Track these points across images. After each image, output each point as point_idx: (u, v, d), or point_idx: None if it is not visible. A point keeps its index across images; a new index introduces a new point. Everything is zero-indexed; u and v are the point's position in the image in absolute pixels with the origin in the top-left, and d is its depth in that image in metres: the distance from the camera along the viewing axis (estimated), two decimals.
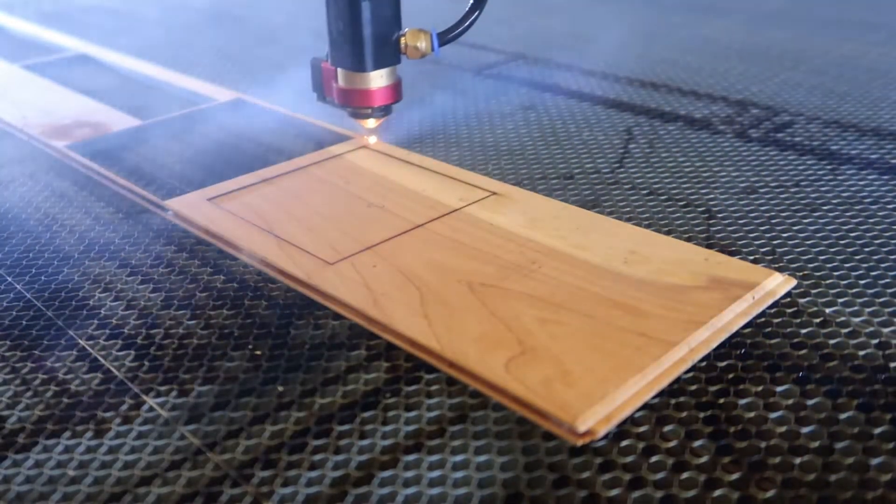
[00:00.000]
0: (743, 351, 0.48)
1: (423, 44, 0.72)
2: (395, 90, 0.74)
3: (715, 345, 0.48)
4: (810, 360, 0.47)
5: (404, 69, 0.75)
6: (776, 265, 0.57)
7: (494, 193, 0.67)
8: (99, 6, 1.51)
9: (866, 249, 0.58)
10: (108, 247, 0.63)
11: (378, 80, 0.73)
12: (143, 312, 0.55)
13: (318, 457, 0.42)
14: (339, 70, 0.74)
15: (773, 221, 0.63)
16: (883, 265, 0.56)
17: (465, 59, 1.07)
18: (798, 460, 0.40)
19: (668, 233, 0.61)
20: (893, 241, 0.59)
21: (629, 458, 0.41)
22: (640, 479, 0.40)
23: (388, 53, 0.72)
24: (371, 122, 0.76)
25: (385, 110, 0.75)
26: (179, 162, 0.80)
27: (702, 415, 0.43)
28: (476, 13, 0.73)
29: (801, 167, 0.72)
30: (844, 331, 0.50)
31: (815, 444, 0.41)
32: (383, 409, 0.45)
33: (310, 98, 0.94)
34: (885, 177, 0.69)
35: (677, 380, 0.46)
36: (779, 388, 0.45)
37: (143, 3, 1.52)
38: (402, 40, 0.72)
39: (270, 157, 0.79)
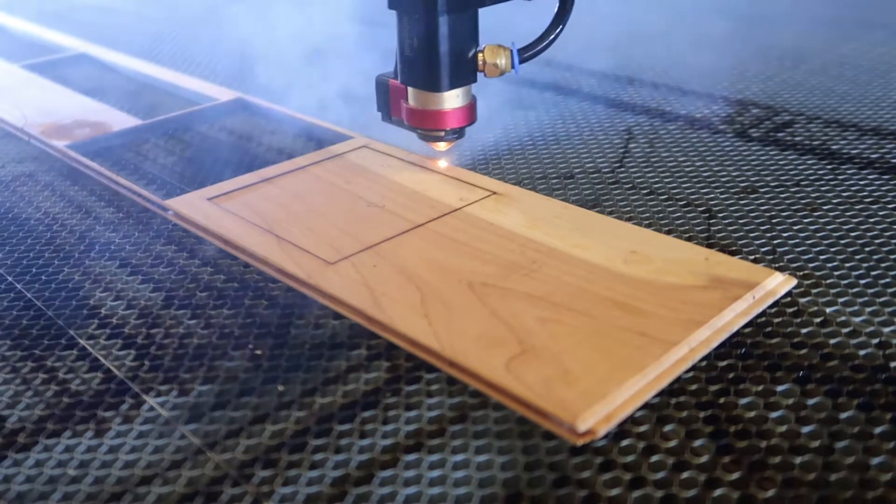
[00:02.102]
0: (743, 350, 0.48)
1: (502, 61, 0.67)
2: (471, 111, 0.69)
3: (715, 344, 0.48)
4: (811, 360, 0.47)
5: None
6: (777, 265, 0.57)
7: (494, 193, 0.67)
8: (99, 6, 1.51)
9: (867, 249, 0.58)
10: (109, 246, 0.63)
11: (453, 100, 0.67)
12: (144, 312, 0.55)
13: (318, 456, 0.42)
14: (409, 89, 0.69)
15: (774, 221, 0.63)
16: (883, 265, 0.56)
17: None
18: (798, 460, 0.40)
19: (668, 232, 0.61)
20: (894, 241, 0.59)
21: (629, 458, 0.41)
22: (641, 479, 0.40)
23: (465, 71, 0.67)
24: (442, 146, 0.71)
25: (459, 132, 0.70)
26: (179, 162, 0.80)
27: (702, 414, 0.43)
28: (559, 28, 0.68)
29: (801, 167, 0.72)
30: (845, 330, 0.50)
31: (816, 443, 0.41)
32: (384, 408, 0.45)
33: (310, 97, 0.94)
34: (886, 176, 0.69)
35: (677, 379, 0.46)
36: (779, 388, 0.45)
37: (143, 3, 1.52)
38: (480, 57, 0.67)
39: (270, 156, 0.79)
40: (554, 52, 1.08)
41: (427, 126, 0.69)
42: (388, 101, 0.72)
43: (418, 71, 0.67)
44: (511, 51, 0.67)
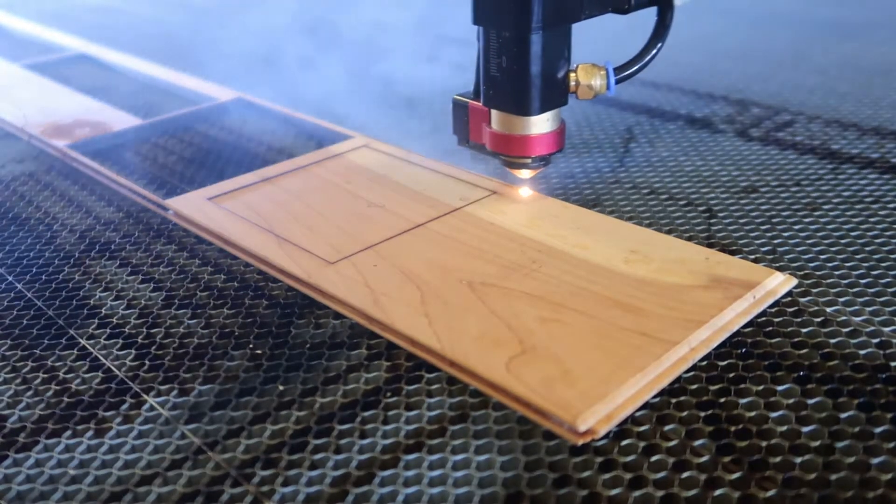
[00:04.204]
0: (744, 350, 0.48)
1: (597, 81, 0.61)
2: (560, 137, 0.63)
3: (716, 344, 0.48)
4: (811, 360, 0.47)
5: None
6: (777, 264, 0.57)
7: (495, 193, 0.67)
8: (99, 6, 1.51)
9: (867, 248, 0.58)
10: (109, 246, 0.63)
11: (542, 124, 0.61)
12: (144, 312, 0.55)
13: (318, 456, 0.42)
14: (493, 112, 0.63)
15: (774, 220, 0.63)
16: (884, 264, 0.56)
17: (465, 59, 1.07)
18: (799, 459, 0.40)
19: (668, 232, 0.61)
20: (894, 241, 0.59)
21: (630, 458, 0.41)
22: (641, 479, 0.40)
23: (556, 93, 0.61)
24: (526, 173, 0.65)
25: (545, 160, 0.64)
26: (180, 161, 0.80)
27: (702, 414, 0.43)
28: (659, 44, 0.63)
29: (801, 166, 0.72)
30: (845, 330, 0.50)
31: (816, 443, 0.41)
32: (384, 408, 0.45)
33: (308, 96, 0.94)
34: (886, 176, 0.69)
35: (678, 379, 0.46)
36: (779, 388, 0.45)
37: (144, 3, 1.52)
38: (573, 77, 0.61)
39: (271, 156, 0.79)
40: None
41: (513, 152, 0.63)
42: (466, 123, 0.66)
43: (506, 93, 0.61)
44: (606, 70, 0.62)
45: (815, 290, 0.54)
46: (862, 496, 0.38)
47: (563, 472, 0.40)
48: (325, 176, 0.72)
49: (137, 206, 0.70)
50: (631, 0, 0.60)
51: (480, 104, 0.64)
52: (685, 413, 0.43)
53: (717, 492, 0.39)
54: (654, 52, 0.63)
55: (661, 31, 0.63)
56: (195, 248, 0.62)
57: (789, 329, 0.50)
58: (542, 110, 0.61)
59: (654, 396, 0.44)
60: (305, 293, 0.55)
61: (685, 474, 0.40)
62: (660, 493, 0.39)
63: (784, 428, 0.42)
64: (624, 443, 0.42)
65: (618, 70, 0.62)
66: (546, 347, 0.47)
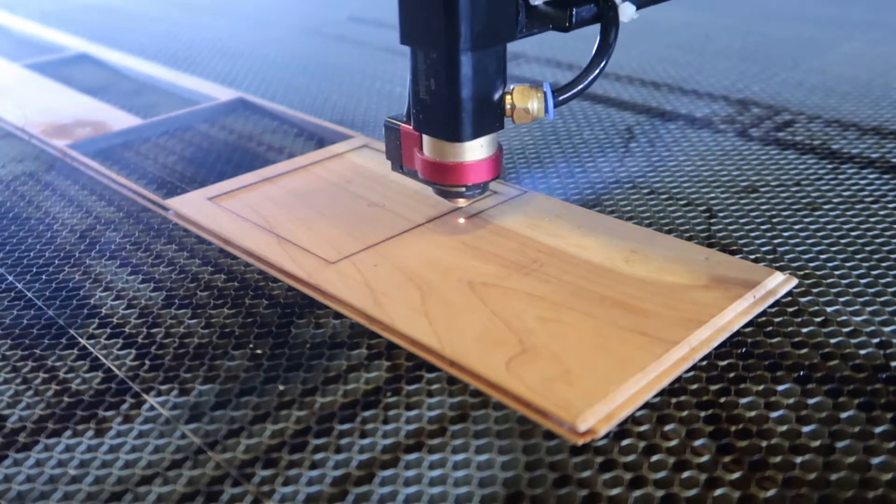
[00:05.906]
0: (744, 350, 0.48)
1: (534, 104, 0.56)
2: (496, 163, 0.59)
3: (716, 344, 0.48)
4: (811, 360, 0.47)
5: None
6: (777, 264, 0.57)
7: (495, 193, 0.67)
8: (99, 5, 1.51)
9: (867, 248, 0.58)
10: (109, 246, 0.63)
11: (476, 151, 0.57)
12: (144, 311, 0.55)
13: (319, 456, 0.42)
14: (424, 138, 0.58)
15: (775, 220, 0.63)
16: (884, 264, 0.56)
17: None
18: (799, 459, 0.40)
19: (669, 232, 0.61)
20: (895, 241, 0.59)
21: (630, 458, 0.41)
22: (641, 479, 0.40)
23: (490, 118, 0.56)
24: (462, 202, 0.62)
25: (482, 188, 0.59)
26: (180, 161, 0.80)
27: (703, 414, 0.43)
28: (602, 63, 0.57)
29: (801, 166, 0.72)
30: (845, 330, 0.50)
31: (816, 443, 0.41)
32: (384, 408, 0.45)
33: (308, 96, 0.94)
34: (887, 175, 0.69)
35: (678, 379, 0.46)
36: (780, 388, 0.45)
37: (144, 2, 1.52)
38: (508, 100, 0.57)
39: (271, 156, 0.79)
40: (555, 52, 1.08)
41: (446, 181, 0.59)
42: (398, 148, 0.62)
43: (436, 117, 0.56)
44: (544, 93, 0.57)
45: (815, 290, 0.54)
46: (862, 496, 0.38)
47: (563, 472, 0.40)
48: (326, 176, 0.72)
49: (137, 206, 0.70)
50: (572, 18, 0.56)
51: (412, 128, 0.59)
52: (685, 413, 0.43)
53: (717, 492, 0.39)
54: (597, 71, 0.58)
55: (604, 49, 0.58)
56: (195, 248, 0.62)
57: (789, 329, 0.50)
58: (475, 136, 0.56)
59: (654, 396, 0.45)
60: (305, 293, 0.55)
61: (685, 474, 0.40)
62: (660, 493, 0.39)
63: (784, 428, 0.42)
64: (624, 443, 0.42)
65: (557, 92, 0.58)
66: (546, 347, 0.47)
